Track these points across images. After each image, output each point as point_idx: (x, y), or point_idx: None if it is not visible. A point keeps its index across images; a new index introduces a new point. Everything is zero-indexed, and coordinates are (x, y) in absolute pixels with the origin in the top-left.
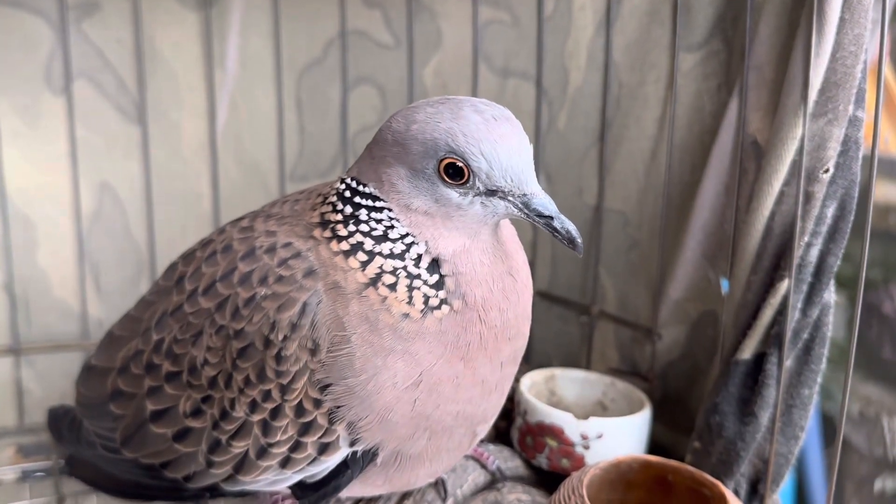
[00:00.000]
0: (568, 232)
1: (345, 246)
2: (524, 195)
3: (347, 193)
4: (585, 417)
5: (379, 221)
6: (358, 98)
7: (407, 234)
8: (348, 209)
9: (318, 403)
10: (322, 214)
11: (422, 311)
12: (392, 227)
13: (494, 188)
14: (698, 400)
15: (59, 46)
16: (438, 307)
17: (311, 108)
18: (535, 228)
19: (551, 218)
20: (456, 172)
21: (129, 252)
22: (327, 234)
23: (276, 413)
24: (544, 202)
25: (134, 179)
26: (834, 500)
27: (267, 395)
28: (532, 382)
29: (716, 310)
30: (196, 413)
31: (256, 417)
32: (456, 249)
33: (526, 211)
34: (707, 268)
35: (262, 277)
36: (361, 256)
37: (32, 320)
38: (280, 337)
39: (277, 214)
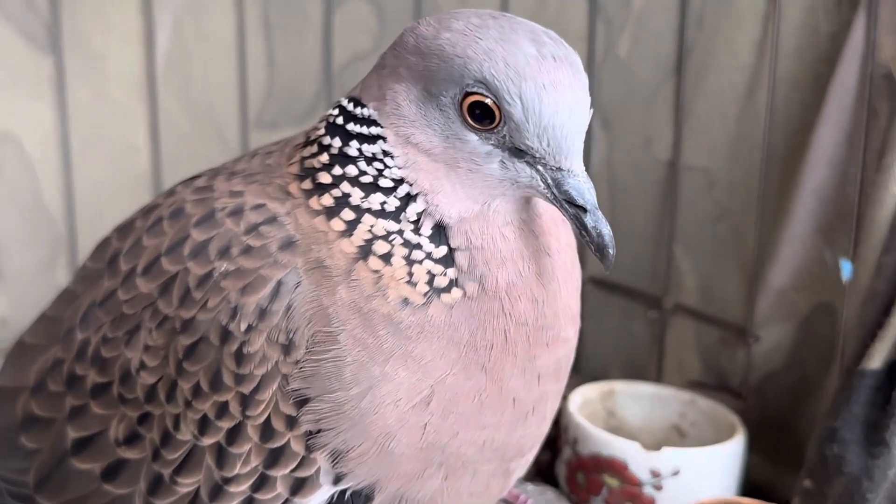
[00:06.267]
0: (600, 235)
1: (328, 201)
2: (559, 169)
3: (340, 120)
4: (657, 448)
5: (371, 160)
6: (347, 17)
7: (402, 181)
8: (337, 142)
9: (291, 422)
10: (303, 160)
11: (425, 293)
12: (384, 166)
13: (523, 147)
14: (809, 424)
15: None
16: (447, 290)
17: (284, 31)
18: None
19: (584, 211)
20: (484, 113)
21: (39, 226)
22: (307, 185)
23: (234, 435)
24: (581, 187)
25: (45, 128)
26: None
27: (223, 410)
28: (584, 400)
29: (833, 303)
30: (131, 439)
31: (208, 441)
32: (463, 214)
33: (554, 190)
34: (822, 246)
35: (224, 248)
36: (347, 215)
37: None
38: (243, 327)
39: (244, 171)
